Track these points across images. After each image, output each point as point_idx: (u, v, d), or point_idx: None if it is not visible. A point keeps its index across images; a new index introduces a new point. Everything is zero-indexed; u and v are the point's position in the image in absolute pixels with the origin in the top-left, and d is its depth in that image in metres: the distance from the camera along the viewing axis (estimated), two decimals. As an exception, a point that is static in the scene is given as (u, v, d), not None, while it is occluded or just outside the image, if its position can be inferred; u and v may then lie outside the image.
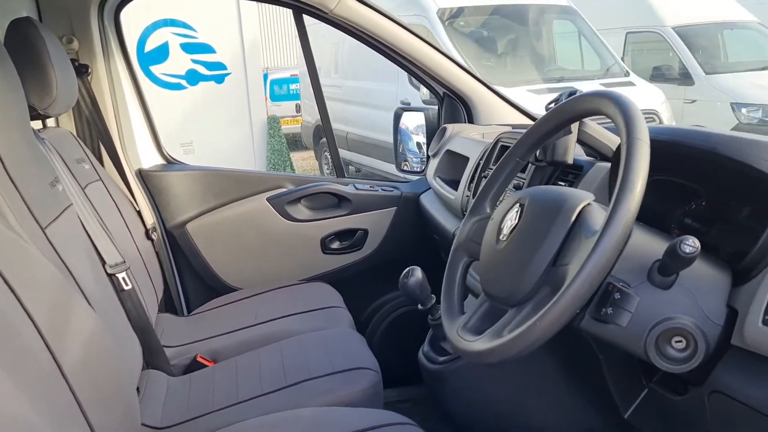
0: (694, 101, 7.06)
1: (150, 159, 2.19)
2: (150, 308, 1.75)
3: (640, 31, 7.63)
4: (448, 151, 2.10)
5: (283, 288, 2.10)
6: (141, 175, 2.12)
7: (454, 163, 2.08)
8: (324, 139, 7.85)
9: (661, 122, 6.12)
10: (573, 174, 1.33)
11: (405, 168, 2.55)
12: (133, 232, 1.89)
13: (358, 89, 6.97)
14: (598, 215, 0.90)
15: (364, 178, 2.45)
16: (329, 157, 7.76)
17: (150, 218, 2.10)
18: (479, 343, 0.93)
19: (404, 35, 2.07)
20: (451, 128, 2.16)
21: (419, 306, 1.40)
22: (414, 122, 2.54)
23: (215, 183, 2.21)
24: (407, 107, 2.59)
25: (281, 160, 6.96)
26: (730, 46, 7.62)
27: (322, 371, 1.51)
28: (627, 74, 6.58)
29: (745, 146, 0.92)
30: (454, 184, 2.00)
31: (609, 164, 1.25)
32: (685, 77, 7.12)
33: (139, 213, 2.05)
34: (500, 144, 1.62)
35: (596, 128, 1.28)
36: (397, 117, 2.53)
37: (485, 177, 1.59)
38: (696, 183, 1.08)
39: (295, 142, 9.03)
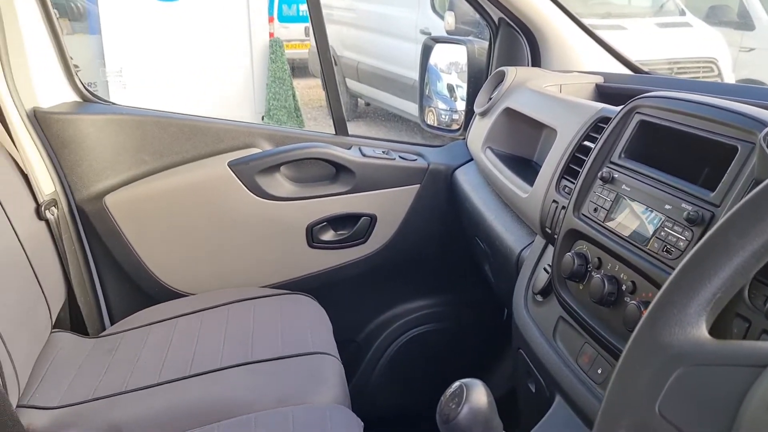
0: (751, 50, 6.16)
1: (54, 94, 1.45)
2: (40, 327, 1.19)
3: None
4: (508, 110, 1.35)
5: (246, 301, 1.39)
6: (37, 117, 1.38)
7: (519, 129, 1.34)
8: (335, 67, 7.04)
9: (720, 74, 5.26)
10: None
11: (429, 121, 1.80)
12: (14, 209, 1.20)
13: (372, 14, 6.17)
14: None
15: (375, 138, 1.70)
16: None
17: (47, 186, 1.37)
18: None
19: None
20: (512, 73, 1.41)
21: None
22: (447, 58, 1.79)
23: (153, 134, 1.47)
24: (440, 37, 1.82)
25: (283, 89, 6.11)
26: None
27: None
28: (683, 13, 5.69)
29: None
30: (519, 167, 1.26)
31: None
32: (744, 20, 6.20)
33: (26, 177, 1.32)
34: (637, 117, 0.87)
35: None
36: (426, 50, 1.77)
37: (604, 180, 0.86)
38: None
39: (301, 69, 8.19)
